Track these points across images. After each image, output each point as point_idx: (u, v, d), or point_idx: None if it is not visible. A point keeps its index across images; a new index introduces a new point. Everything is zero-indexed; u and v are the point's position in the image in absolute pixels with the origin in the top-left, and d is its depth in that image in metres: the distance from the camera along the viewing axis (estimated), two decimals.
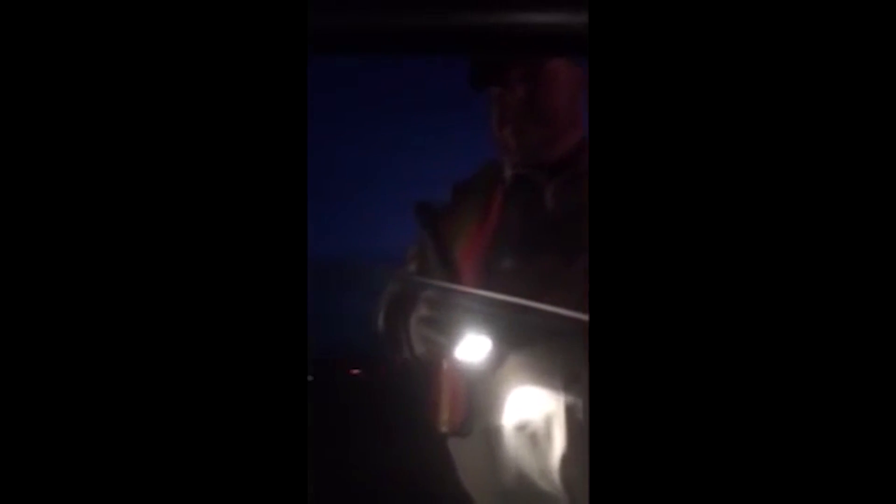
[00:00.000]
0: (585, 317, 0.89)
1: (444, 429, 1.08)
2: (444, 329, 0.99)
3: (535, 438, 1.00)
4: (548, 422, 0.99)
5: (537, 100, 1.08)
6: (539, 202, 1.09)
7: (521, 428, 1.01)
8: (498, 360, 1.00)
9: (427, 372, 1.10)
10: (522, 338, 1.00)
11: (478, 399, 1.04)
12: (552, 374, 0.99)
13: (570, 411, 0.97)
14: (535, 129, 1.08)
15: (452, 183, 1.21)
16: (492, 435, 1.02)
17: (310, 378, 1.08)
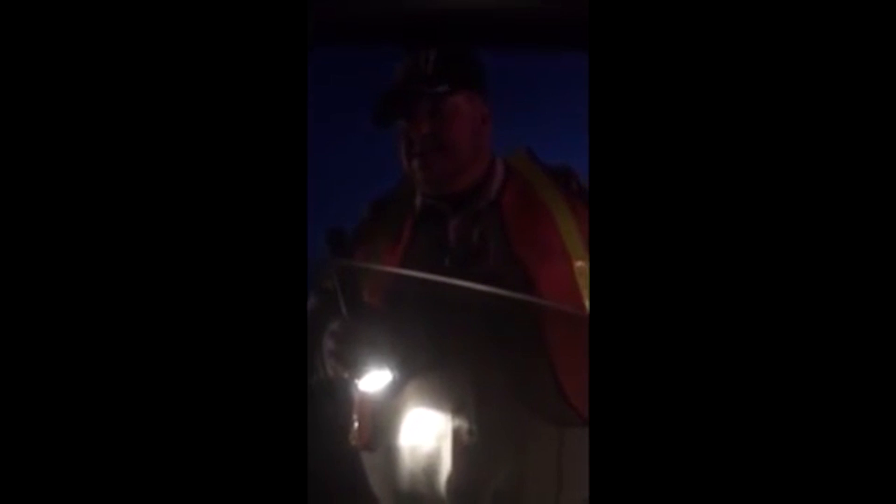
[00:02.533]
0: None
1: (354, 443, 1.20)
2: (348, 363, 1.09)
3: (427, 460, 1.11)
4: (438, 446, 1.10)
5: (441, 134, 1.14)
6: (444, 234, 1.18)
7: (416, 449, 1.12)
8: (397, 387, 1.12)
9: (339, 391, 1.22)
10: (419, 368, 1.12)
11: (381, 421, 1.15)
12: (442, 402, 1.10)
13: (457, 434, 1.09)
14: (441, 161, 1.15)
15: (370, 200, 1.28)
16: (394, 453, 1.14)
17: None
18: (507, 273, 1.11)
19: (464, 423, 1.09)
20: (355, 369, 1.09)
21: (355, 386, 1.14)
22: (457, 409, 1.09)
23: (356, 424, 1.19)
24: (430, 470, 1.11)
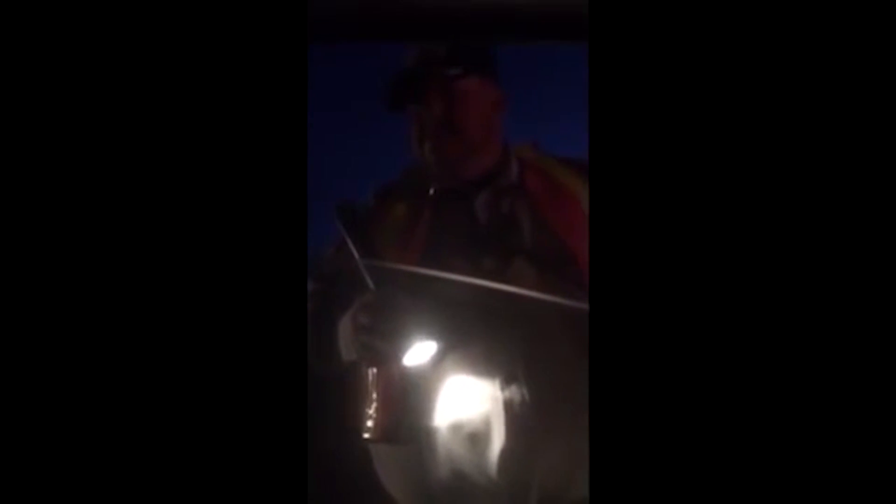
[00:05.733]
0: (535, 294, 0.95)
1: (368, 436, 1.08)
2: (386, 336, 1.01)
3: (473, 436, 1.03)
4: (486, 419, 1.03)
5: (453, 116, 1.13)
6: (471, 210, 1.15)
7: (459, 427, 1.04)
8: (437, 361, 1.04)
9: (354, 378, 1.11)
10: (459, 339, 1.05)
11: (411, 403, 1.06)
12: (490, 373, 1.04)
13: (508, 407, 1.03)
14: (453, 144, 1.14)
15: (374, 186, 1.23)
16: (427, 436, 1.05)
17: None
18: (543, 244, 1.10)
19: (515, 395, 1.03)
20: (395, 342, 1.00)
21: (385, 364, 1.05)
22: (506, 381, 1.03)
23: (373, 414, 1.08)
24: (479, 453, 1.03)
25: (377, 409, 1.08)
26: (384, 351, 1.02)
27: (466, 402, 1.04)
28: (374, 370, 1.08)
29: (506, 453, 1.02)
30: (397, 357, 1.02)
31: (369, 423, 1.08)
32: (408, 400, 1.06)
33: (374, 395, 1.08)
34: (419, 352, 1.02)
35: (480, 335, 1.05)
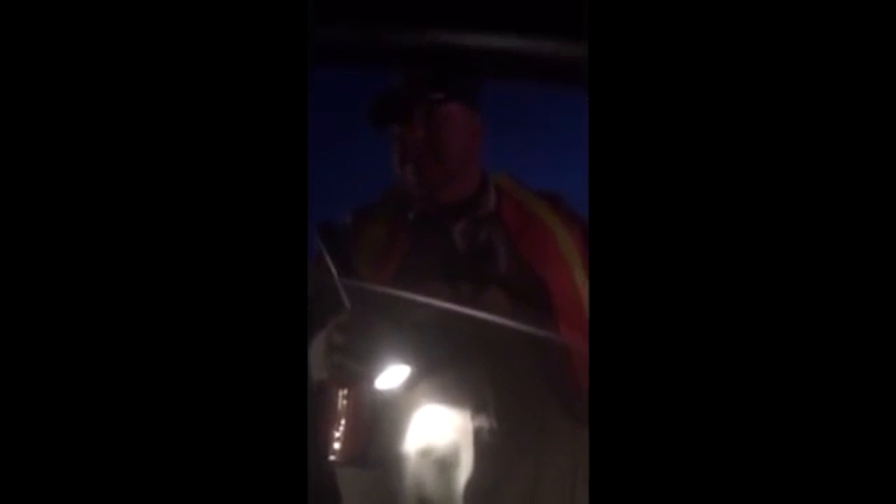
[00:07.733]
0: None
1: (335, 458, 1.08)
2: (360, 356, 1.00)
3: (442, 463, 1.03)
4: (455, 447, 1.04)
5: (435, 139, 1.15)
6: (449, 238, 1.16)
7: (428, 453, 1.04)
8: (408, 386, 1.04)
9: (322, 399, 1.10)
10: (432, 365, 1.05)
11: (381, 427, 1.06)
12: (461, 400, 1.04)
13: (477, 435, 1.03)
14: (434, 166, 1.15)
15: (353, 207, 1.23)
16: (395, 461, 1.05)
17: None
18: (518, 275, 1.11)
19: (485, 423, 1.03)
20: (368, 363, 1.00)
21: (357, 386, 1.04)
22: (477, 409, 1.04)
23: (340, 436, 1.07)
24: (446, 480, 1.03)
25: (345, 432, 1.07)
26: (357, 372, 1.01)
27: (436, 429, 1.05)
28: (345, 391, 1.08)
29: (474, 481, 1.03)
30: (369, 379, 1.02)
31: (336, 446, 1.08)
32: (377, 424, 1.06)
33: (343, 417, 1.08)
34: (391, 375, 1.02)
35: (453, 362, 1.05)
